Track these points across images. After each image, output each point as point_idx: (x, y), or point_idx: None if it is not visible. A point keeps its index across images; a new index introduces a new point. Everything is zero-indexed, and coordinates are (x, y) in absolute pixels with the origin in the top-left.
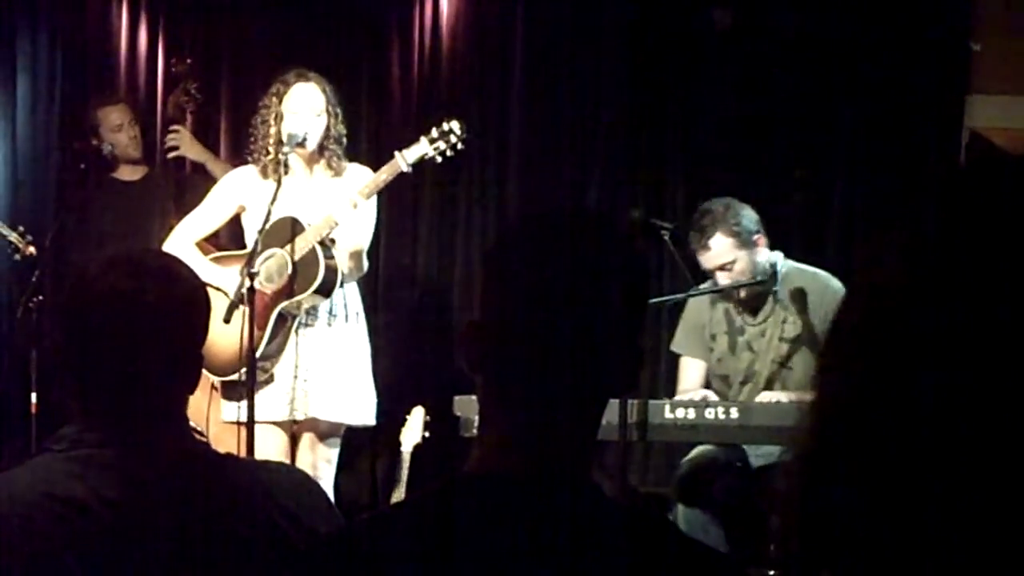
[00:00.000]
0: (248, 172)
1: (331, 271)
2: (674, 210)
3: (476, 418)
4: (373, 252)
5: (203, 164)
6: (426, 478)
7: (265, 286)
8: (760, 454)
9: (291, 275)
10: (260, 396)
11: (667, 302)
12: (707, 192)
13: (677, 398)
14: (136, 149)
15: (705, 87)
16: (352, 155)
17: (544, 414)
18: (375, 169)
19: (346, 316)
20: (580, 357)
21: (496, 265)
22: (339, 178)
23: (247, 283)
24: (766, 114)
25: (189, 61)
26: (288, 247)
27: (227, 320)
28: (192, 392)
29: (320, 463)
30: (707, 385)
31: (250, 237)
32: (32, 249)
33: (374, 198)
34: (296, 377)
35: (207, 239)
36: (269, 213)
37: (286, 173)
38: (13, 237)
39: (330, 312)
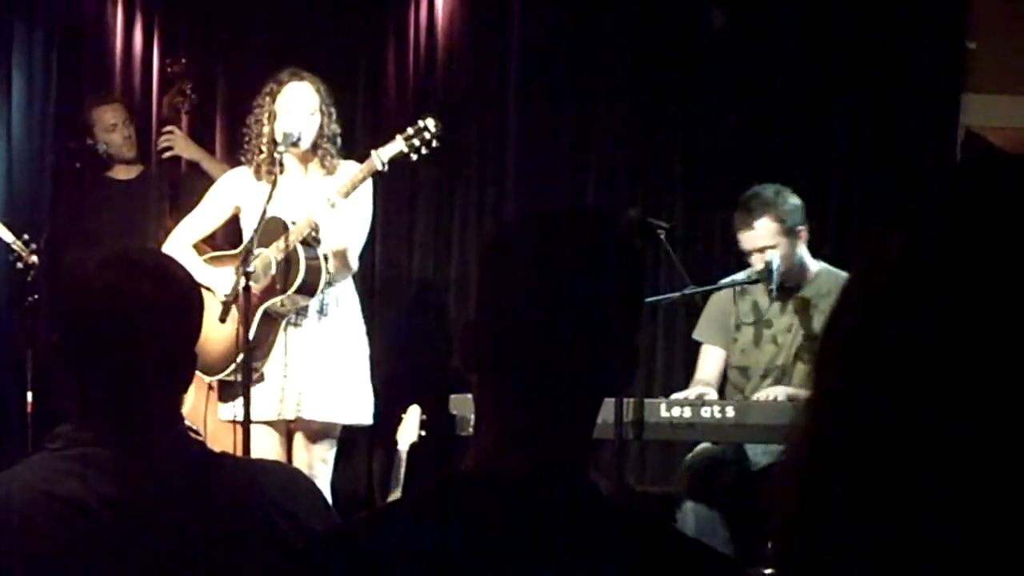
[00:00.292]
0: (243, 173)
1: (312, 271)
2: (671, 210)
3: (472, 417)
4: (369, 251)
5: (198, 163)
6: (422, 477)
7: (252, 285)
8: (763, 452)
9: (274, 275)
10: (252, 395)
11: (663, 301)
12: (706, 192)
13: (674, 396)
14: (130, 149)
15: (703, 86)
16: (348, 154)
17: (541, 413)
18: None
19: (338, 315)
20: (577, 356)
21: (493, 264)
22: (331, 176)
23: (242, 282)
24: (764, 113)
25: (184, 61)
26: (272, 247)
27: (223, 320)
28: (186, 390)
29: (316, 462)
30: (724, 376)
31: (246, 237)
32: (34, 258)
33: (368, 197)
34: (286, 376)
35: (204, 240)
36: (264, 213)
37: (281, 172)
38: (17, 245)
39: (320, 311)
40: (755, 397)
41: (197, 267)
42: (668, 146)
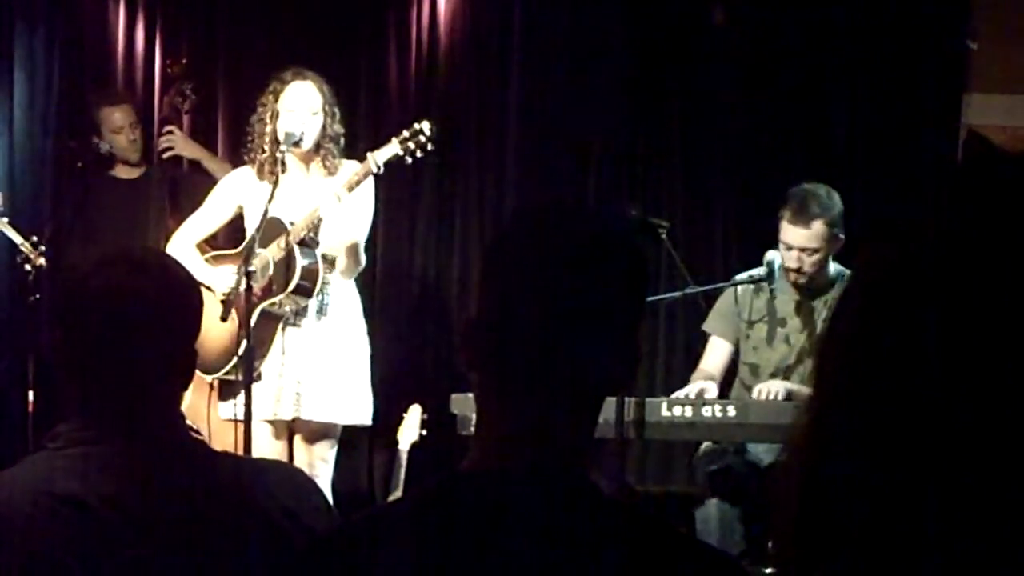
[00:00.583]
0: (246, 173)
1: (309, 272)
2: (671, 209)
3: (473, 416)
4: (370, 250)
5: (199, 162)
6: (423, 476)
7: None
8: (765, 450)
9: (271, 275)
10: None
11: (664, 300)
12: (706, 191)
13: (675, 395)
14: (135, 152)
15: (703, 85)
16: (349, 155)
17: (542, 412)
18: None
19: (339, 315)
20: (578, 354)
21: (495, 262)
22: (333, 177)
23: (244, 282)
24: (765, 112)
25: (184, 61)
26: (270, 248)
27: (224, 319)
28: (186, 388)
29: (317, 461)
30: (732, 371)
31: (249, 237)
32: (42, 260)
33: (370, 194)
34: (282, 376)
35: (207, 240)
36: (266, 212)
37: (283, 172)
38: (25, 246)
39: (319, 311)
40: (754, 392)
41: (197, 266)
42: (668, 146)
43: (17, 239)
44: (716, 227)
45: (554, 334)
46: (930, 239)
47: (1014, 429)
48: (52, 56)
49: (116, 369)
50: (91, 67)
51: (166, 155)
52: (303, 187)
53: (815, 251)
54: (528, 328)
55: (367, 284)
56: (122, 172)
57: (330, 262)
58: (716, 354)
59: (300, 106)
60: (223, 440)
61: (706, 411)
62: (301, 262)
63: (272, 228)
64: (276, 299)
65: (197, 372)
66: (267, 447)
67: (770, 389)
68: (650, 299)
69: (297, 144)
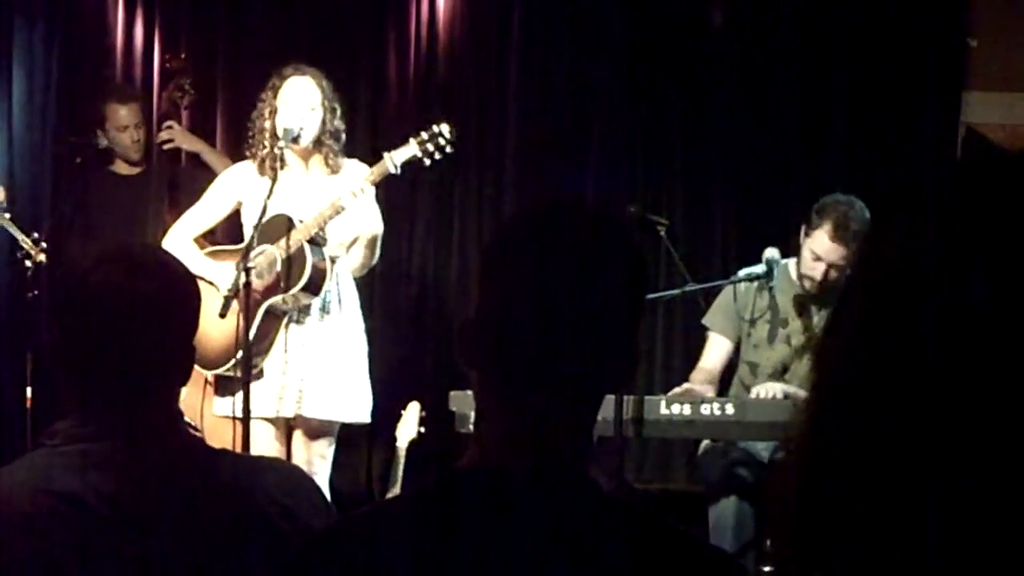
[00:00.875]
0: (246, 168)
1: (318, 270)
2: (671, 207)
3: (472, 413)
4: None
5: (198, 155)
6: (422, 474)
7: (255, 282)
8: (764, 447)
9: (279, 272)
10: (251, 392)
11: (663, 298)
12: (706, 189)
13: (672, 392)
14: (137, 152)
15: (702, 84)
16: (348, 151)
17: (541, 409)
18: (372, 165)
19: (340, 313)
20: (578, 352)
21: (494, 261)
22: (336, 176)
23: (242, 278)
24: (764, 111)
25: (183, 56)
26: (278, 244)
27: (223, 315)
28: (184, 384)
29: (315, 458)
30: (731, 369)
31: (247, 233)
32: (43, 257)
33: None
34: (285, 373)
35: (204, 235)
36: (265, 208)
37: (282, 168)
38: (27, 244)
39: (322, 309)
40: (752, 392)
41: (199, 261)
42: (668, 144)
43: (18, 235)
44: (715, 225)
45: (553, 332)
46: (930, 237)
47: (1014, 430)
48: (51, 52)
49: (115, 366)
50: (91, 63)
51: (166, 147)
52: (303, 183)
53: (844, 268)
54: (527, 326)
55: (366, 281)
56: (122, 168)
57: (331, 260)
58: (716, 351)
59: (298, 101)
60: (219, 436)
61: (705, 409)
62: (311, 259)
63: (279, 225)
64: (284, 296)
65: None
66: (265, 444)
67: (768, 391)
68: (649, 297)
69: (296, 140)
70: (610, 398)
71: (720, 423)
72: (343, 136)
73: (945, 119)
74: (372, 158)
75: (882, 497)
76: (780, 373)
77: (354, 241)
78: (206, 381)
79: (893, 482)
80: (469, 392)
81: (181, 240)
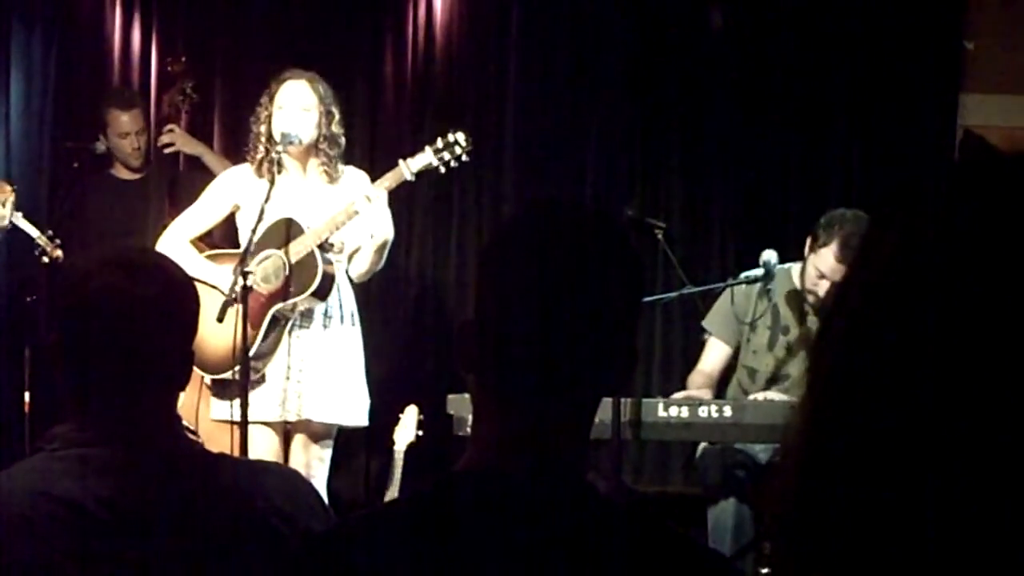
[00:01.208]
0: (243, 170)
1: (328, 275)
2: (669, 210)
3: (470, 417)
4: None
5: (199, 158)
6: (419, 477)
7: (262, 287)
8: (762, 449)
9: (288, 277)
10: (252, 396)
11: (660, 300)
12: (705, 191)
13: (673, 396)
14: (137, 159)
15: (702, 85)
16: (346, 155)
17: (539, 412)
18: (371, 171)
19: (341, 317)
20: (576, 355)
21: (493, 263)
22: (335, 184)
23: (240, 282)
24: (762, 113)
25: (184, 59)
26: (285, 249)
27: (220, 319)
28: (183, 389)
29: (313, 462)
30: (730, 372)
31: (244, 236)
32: (59, 252)
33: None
34: (288, 378)
35: (201, 237)
36: (262, 212)
37: (279, 172)
38: (42, 240)
39: (325, 314)
40: (751, 398)
41: (199, 264)
42: (667, 146)
43: (33, 232)
44: (713, 227)
45: (550, 334)
46: (927, 239)
47: (1014, 430)
48: (49, 56)
49: (113, 371)
50: (88, 67)
51: (167, 151)
52: (301, 188)
53: None
54: (525, 329)
55: (364, 284)
56: (123, 172)
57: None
58: (714, 355)
59: (291, 103)
60: (216, 440)
61: (702, 411)
62: (323, 265)
63: (285, 229)
64: (293, 301)
65: (194, 370)
66: (263, 448)
67: (765, 399)
68: (647, 299)
69: (292, 144)
70: (608, 400)
71: (718, 426)
72: (342, 142)
73: (942, 121)
74: (369, 162)
75: (881, 498)
76: (779, 380)
77: (357, 249)
78: (202, 385)
79: (892, 483)
80: (467, 395)
81: (177, 242)
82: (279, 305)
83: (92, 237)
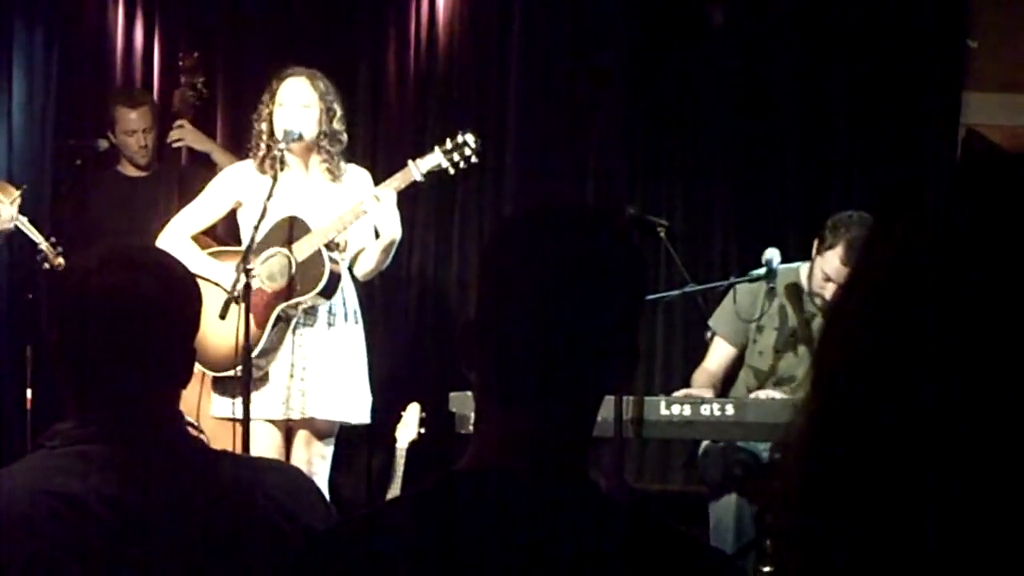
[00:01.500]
0: (246, 167)
1: (335, 274)
2: (671, 208)
3: (472, 415)
4: None
5: (207, 155)
6: (421, 475)
7: (267, 285)
8: (764, 447)
9: (293, 275)
10: (255, 394)
11: (663, 299)
12: (706, 190)
13: (675, 394)
14: (144, 157)
15: (702, 85)
16: (348, 153)
17: (541, 410)
18: (373, 168)
19: (345, 315)
20: (578, 353)
21: (494, 262)
22: (338, 182)
23: (243, 280)
24: (764, 112)
25: (196, 55)
26: (291, 247)
27: (223, 316)
28: (185, 387)
29: (315, 460)
30: (734, 372)
31: (245, 233)
32: (61, 260)
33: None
34: (292, 376)
35: (203, 233)
36: (265, 209)
37: (282, 169)
38: (45, 246)
39: (329, 312)
40: (752, 396)
41: (201, 261)
42: (668, 145)
43: (37, 238)
44: (715, 225)
45: (551, 334)
46: (930, 238)
47: (1014, 430)
48: (51, 54)
49: (115, 368)
50: (91, 65)
51: (175, 145)
52: (304, 186)
53: None
54: (526, 329)
55: (366, 282)
56: (129, 170)
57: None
58: (718, 355)
59: (291, 100)
60: (218, 438)
61: (704, 410)
62: (329, 264)
63: (289, 228)
64: (299, 299)
65: (196, 367)
66: (264, 445)
67: (767, 397)
68: (649, 298)
69: (294, 141)
70: (610, 399)
71: (720, 424)
72: (343, 139)
73: (945, 120)
74: (372, 160)
75: (882, 498)
76: (784, 381)
77: (361, 249)
78: (204, 381)
79: (893, 482)
80: (469, 393)
81: (178, 238)
82: (284, 304)
83: (97, 235)
